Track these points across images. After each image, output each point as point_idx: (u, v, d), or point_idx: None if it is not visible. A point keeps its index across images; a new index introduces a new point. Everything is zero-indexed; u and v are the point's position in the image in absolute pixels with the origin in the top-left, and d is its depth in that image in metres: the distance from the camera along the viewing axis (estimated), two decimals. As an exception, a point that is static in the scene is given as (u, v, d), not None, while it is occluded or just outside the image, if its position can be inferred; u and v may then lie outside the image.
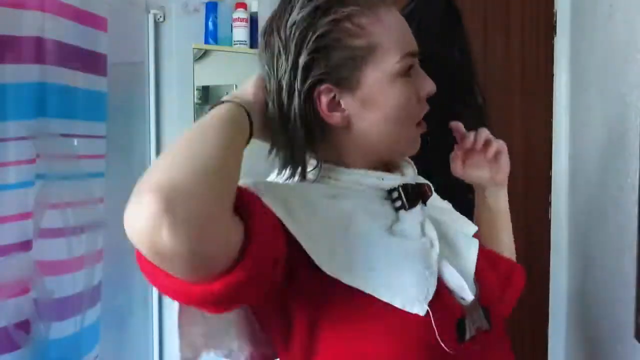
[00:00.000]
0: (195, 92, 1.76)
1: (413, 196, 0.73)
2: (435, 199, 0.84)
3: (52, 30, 1.23)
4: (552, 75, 2.00)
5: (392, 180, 0.73)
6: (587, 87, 1.64)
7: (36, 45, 1.20)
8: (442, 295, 0.66)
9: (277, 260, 0.58)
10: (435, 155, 2.09)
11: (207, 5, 1.80)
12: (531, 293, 2.07)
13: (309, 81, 0.67)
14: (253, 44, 1.81)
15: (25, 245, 1.18)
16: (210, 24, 1.80)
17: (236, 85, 1.65)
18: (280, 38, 0.68)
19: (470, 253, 0.76)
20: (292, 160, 0.70)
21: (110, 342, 1.51)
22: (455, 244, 0.76)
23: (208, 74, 1.79)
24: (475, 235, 0.85)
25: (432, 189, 0.79)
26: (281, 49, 0.67)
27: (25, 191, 1.17)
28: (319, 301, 0.64)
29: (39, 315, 1.23)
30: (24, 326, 1.18)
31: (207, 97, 1.83)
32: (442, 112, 2.15)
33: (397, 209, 0.72)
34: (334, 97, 0.69)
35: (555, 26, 1.98)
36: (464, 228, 0.84)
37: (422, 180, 0.81)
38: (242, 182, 0.60)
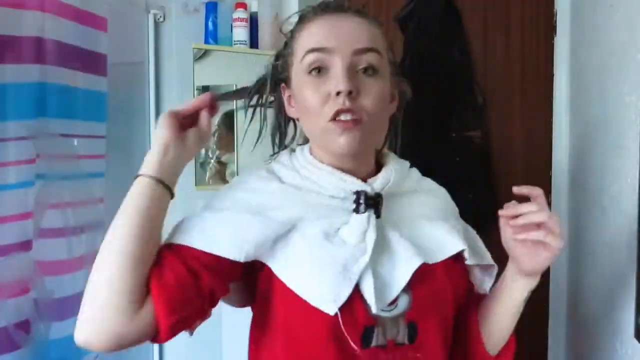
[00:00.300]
0: (195, 92, 1.76)
1: (367, 204, 0.78)
2: (421, 216, 0.87)
3: (52, 30, 1.24)
4: (552, 75, 2.00)
5: (352, 184, 0.79)
6: (587, 87, 1.64)
7: (36, 45, 1.20)
8: (354, 301, 0.73)
9: (202, 292, 0.71)
10: (434, 154, 2.10)
11: (207, 5, 1.80)
12: (531, 293, 2.07)
13: (274, 79, 0.87)
14: (253, 44, 1.81)
15: (25, 245, 1.18)
16: (210, 24, 1.80)
17: (236, 85, 1.65)
18: None
19: (406, 269, 0.77)
20: (279, 142, 0.90)
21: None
22: (396, 258, 0.78)
23: (208, 74, 1.78)
24: (458, 255, 0.87)
25: (382, 203, 0.81)
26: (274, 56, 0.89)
27: (25, 191, 1.18)
28: (268, 290, 0.78)
29: (39, 315, 1.23)
30: (24, 326, 1.18)
31: (207, 97, 1.83)
32: (442, 112, 2.16)
33: (351, 211, 0.79)
34: (289, 94, 0.85)
35: (555, 26, 1.98)
36: (442, 247, 0.85)
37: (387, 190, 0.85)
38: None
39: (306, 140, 0.88)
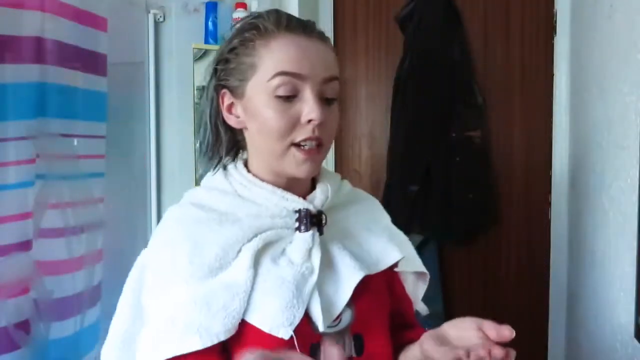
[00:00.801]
0: (195, 92, 1.76)
1: (309, 221, 0.78)
2: (359, 228, 0.86)
3: (52, 30, 1.23)
4: (552, 75, 2.00)
5: (294, 202, 0.79)
6: (587, 87, 1.64)
7: (36, 45, 1.20)
8: (302, 321, 0.72)
9: None
10: (434, 154, 2.10)
11: (207, 5, 1.80)
12: (531, 293, 2.08)
13: (213, 83, 0.81)
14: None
15: (25, 245, 1.18)
16: (210, 24, 1.80)
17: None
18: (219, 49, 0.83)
19: (349, 284, 0.77)
20: (210, 154, 0.83)
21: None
22: (339, 273, 0.79)
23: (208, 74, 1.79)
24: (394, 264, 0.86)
25: (326, 219, 0.80)
26: (215, 57, 0.83)
27: (25, 191, 1.17)
28: None
29: (39, 315, 1.23)
30: (24, 326, 1.18)
31: (207, 97, 1.83)
32: (442, 112, 2.17)
33: (296, 230, 0.78)
34: (232, 102, 0.80)
35: (555, 26, 1.98)
36: (382, 257, 0.84)
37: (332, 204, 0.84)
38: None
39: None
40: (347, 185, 0.91)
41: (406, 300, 0.94)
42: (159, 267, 0.77)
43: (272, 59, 0.75)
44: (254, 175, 0.80)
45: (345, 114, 2.12)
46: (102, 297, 1.44)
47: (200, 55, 1.76)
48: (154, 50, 1.81)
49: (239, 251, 0.75)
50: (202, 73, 1.75)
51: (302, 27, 0.77)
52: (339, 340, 0.77)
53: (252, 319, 0.72)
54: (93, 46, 1.39)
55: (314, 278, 0.75)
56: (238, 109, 0.79)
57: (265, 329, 0.71)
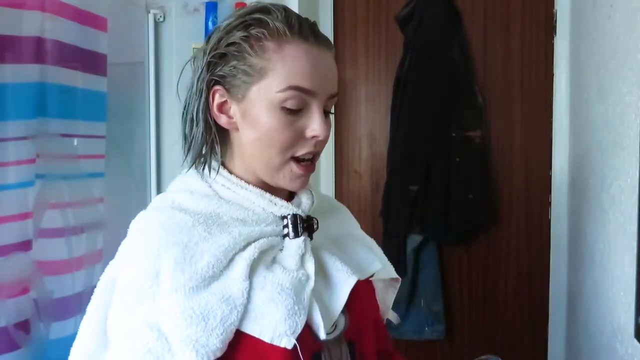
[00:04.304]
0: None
1: (300, 227, 0.75)
2: (341, 235, 0.86)
3: (52, 30, 1.23)
4: (552, 75, 2.00)
5: (284, 207, 0.76)
6: (587, 87, 1.64)
7: (36, 45, 1.20)
8: (302, 330, 0.69)
9: None
10: (434, 154, 2.10)
11: (207, 5, 1.80)
12: (531, 293, 2.08)
13: (206, 78, 0.74)
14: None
15: (25, 245, 1.18)
16: (210, 24, 1.80)
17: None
18: (207, 40, 0.76)
19: (344, 289, 0.76)
20: (192, 153, 0.77)
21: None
22: (332, 279, 0.77)
23: (208, 74, 1.79)
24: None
25: (318, 224, 0.78)
26: (204, 49, 0.76)
27: (25, 191, 1.18)
28: None
29: (39, 315, 1.23)
30: (24, 326, 1.18)
31: (207, 97, 1.83)
32: (442, 112, 2.16)
33: (283, 236, 0.75)
34: (226, 101, 0.75)
35: (555, 26, 1.98)
36: (366, 265, 0.84)
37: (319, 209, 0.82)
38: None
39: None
40: (318, 191, 0.89)
41: (378, 308, 0.93)
42: (137, 278, 0.68)
43: (285, 69, 0.70)
44: (236, 177, 0.76)
45: (345, 114, 2.12)
46: (102, 297, 1.44)
47: (200, 55, 1.76)
48: (154, 50, 1.81)
49: (232, 260, 0.70)
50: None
51: (313, 34, 0.73)
52: (336, 347, 0.75)
53: (250, 329, 0.67)
54: (93, 46, 1.40)
55: (311, 284, 0.72)
56: (232, 110, 0.74)
57: (267, 339, 0.67)
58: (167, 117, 1.84)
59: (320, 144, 0.75)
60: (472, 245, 2.07)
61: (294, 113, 0.72)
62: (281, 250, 0.75)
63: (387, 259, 0.92)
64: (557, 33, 1.98)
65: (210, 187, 0.76)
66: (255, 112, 0.72)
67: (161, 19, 1.83)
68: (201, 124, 0.75)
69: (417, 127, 1.95)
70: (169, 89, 1.84)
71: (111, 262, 0.75)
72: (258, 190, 0.75)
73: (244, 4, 1.79)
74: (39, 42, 1.20)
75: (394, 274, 0.93)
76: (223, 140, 0.78)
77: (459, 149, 1.95)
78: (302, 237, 0.75)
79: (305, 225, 0.76)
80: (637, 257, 1.12)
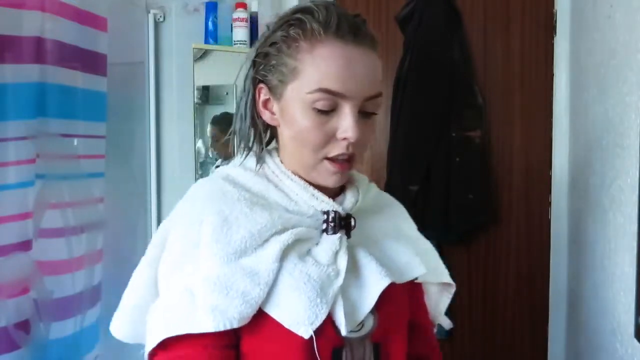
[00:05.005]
0: (195, 92, 1.76)
1: (338, 224, 0.76)
2: (384, 235, 0.84)
3: (52, 30, 1.23)
4: (552, 75, 2.00)
5: (324, 203, 0.77)
6: (587, 87, 1.64)
7: (36, 45, 1.20)
8: (324, 323, 0.70)
9: None
10: (434, 154, 2.10)
11: (207, 5, 1.80)
12: (531, 293, 2.08)
13: (252, 75, 0.78)
14: (253, 43, 1.81)
15: (25, 245, 1.18)
16: (210, 23, 1.80)
17: (236, 86, 1.65)
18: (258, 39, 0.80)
19: (375, 290, 0.75)
20: (243, 143, 0.80)
21: (110, 342, 1.51)
22: (364, 279, 0.77)
23: (208, 74, 1.79)
24: (416, 282, 0.85)
25: (355, 223, 0.79)
26: (255, 46, 0.80)
27: (25, 191, 1.18)
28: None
29: (39, 315, 1.23)
30: (24, 326, 1.18)
31: (207, 97, 1.83)
32: (442, 112, 2.16)
33: (322, 231, 0.77)
34: (269, 98, 0.78)
35: (555, 26, 1.98)
36: (407, 269, 0.82)
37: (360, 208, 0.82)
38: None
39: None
40: (373, 188, 0.90)
41: (423, 312, 0.92)
42: (182, 240, 0.74)
43: (315, 70, 0.71)
44: (285, 167, 0.79)
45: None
46: (102, 297, 1.44)
47: (200, 55, 1.76)
48: (154, 50, 1.81)
49: (266, 240, 0.72)
50: (202, 73, 1.76)
51: (353, 33, 0.72)
52: (360, 346, 0.75)
53: (273, 312, 0.70)
54: (93, 46, 1.40)
55: (340, 281, 0.73)
56: (274, 107, 0.77)
57: (286, 324, 0.69)
58: (167, 117, 1.84)
59: (355, 146, 0.73)
60: (472, 245, 2.07)
61: (325, 114, 0.72)
62: (317, 244, 0.76)
63: (441, 263, 0.91)
64: (557, 33, 1.98)
65: (264, 171, 0.80)
66: (291, 111, 0.74)
67: (161, 19, 1.83)
68: (248, 119, 0.79)
69: (417, 127, 1.95)
70: (169, 89, 1.84)
71: (164, 221, 0.80)
72: (302, 183, 0.77)
73: (244, 5, 1.80)
74: (39, 42, 1.20)
75: (447, 279, 0.91)
76: (275, 134, 0.82)
77: (459, 149, 1.95)
78: (338, 234, 0.76)
79: (343, 223, 0.77)
80: (637, 257, 1.12)
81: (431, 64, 1.95)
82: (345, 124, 0.72)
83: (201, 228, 0.72)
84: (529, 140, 2.04)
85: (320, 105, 0.71)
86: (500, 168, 2.05)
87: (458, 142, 1.95)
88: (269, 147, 0.83)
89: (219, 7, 1.82)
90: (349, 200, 0.80)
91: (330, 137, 0.73)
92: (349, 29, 0.72)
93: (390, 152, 2.02)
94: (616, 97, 1.31)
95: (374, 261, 0.77)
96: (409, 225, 0.93)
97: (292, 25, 0.73)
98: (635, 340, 1.14)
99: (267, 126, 0.81)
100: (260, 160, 0.80)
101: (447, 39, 1.98)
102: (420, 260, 0.83)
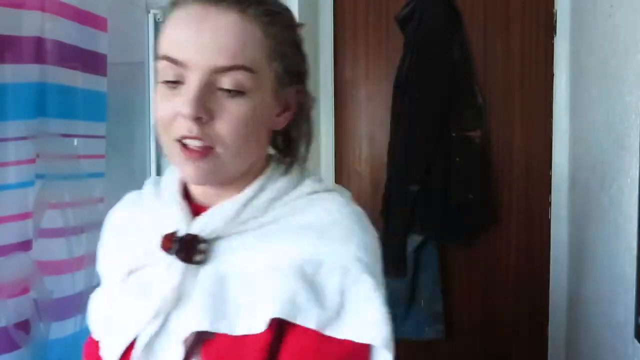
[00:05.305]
0: (195, 92, 1.76)
1: (183, 247, 0.64)
2: (262, 268, 0.63)
3: (52, 30, 1.23)
4: (552, 75, 2.00)
5: (172, 219, 0.67)
6: (587, 87, 1.64)
7: (36, 45, 1.20)
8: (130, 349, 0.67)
9: None
10: (434, 154, 2.09)
11: (207, 5, 1.80)
12: (531, 293, 2.08)
13: None
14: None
15: (25, 245, 1.18)
16: (210, 24, 1.80)
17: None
18: None
19: (178, 334, 0.64)
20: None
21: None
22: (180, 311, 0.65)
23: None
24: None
25: (204, 249, 0.64)
26: None
27: (25, 191, 1.17)
28: None
29: (39, 315, 1.23)
30: (24, 326, 1.18)
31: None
32: (442, 112, 2.16)
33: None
34: None
35: (555, 26, 1.98)
36: (251, 313, 0.61)
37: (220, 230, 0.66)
38: None
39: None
40: (304, 188, 0.69)
41: None
42: None
43: (162, 37, 0.63)
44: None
45: (345, 114, 2.12)
46: (102, 297, 1.44)
47: (200, 55, 1.76)
48: (154, 50, 1.81)
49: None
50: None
51: None
52: None
53: (97, 336, 0.80)
54: (93, 46, 1.39)
55: (160, 302, 0.64)
56: None
57: (102, 346, 0.75)
58: (167, 117, 1.84)
59: (208, 128, 0.60)
60: (472, 245, 2.07)
61: (172, 87, 0.61)
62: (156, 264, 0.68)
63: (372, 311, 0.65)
64: (557, 33, 1.98)
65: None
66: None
67: (161, 19, 1.83)
68: None
69: (417, 127, 1.95)
70: (169, 89, 1.84)
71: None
72: (175, 190, 0.70)
73: (244, 4, 1.79)
74: (39, 42, 1.20)
75: (309, 323, 0.60)
76: None
77: (459, 149, 1.95)
78: (171, 257, 0.64)
79: (184, 247, 0.64)
80: (637, 257, 1.12)
81: (431, 64, 1.95)
82: (183, 97, 0.59)
83: None
84: (529, 140, 2.04)
85: (164, 75, 0.61)
86: (500, 168, 2.05)
87: (458, 142, 1.95)
88: None
89: (219, 7, 1.82)
90: (200, 222, 0.65)
91: (176, 115, 0.61)
92: None
93: (390, 152, 2.02)
94: (616, 97, 1.31)
95: (206, 299, 0.62)
96: (338, 257, 0.63)
97: None
98: (635, 340, 1.14)
99: None
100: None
101: (447, 39, 1.98)
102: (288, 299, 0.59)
